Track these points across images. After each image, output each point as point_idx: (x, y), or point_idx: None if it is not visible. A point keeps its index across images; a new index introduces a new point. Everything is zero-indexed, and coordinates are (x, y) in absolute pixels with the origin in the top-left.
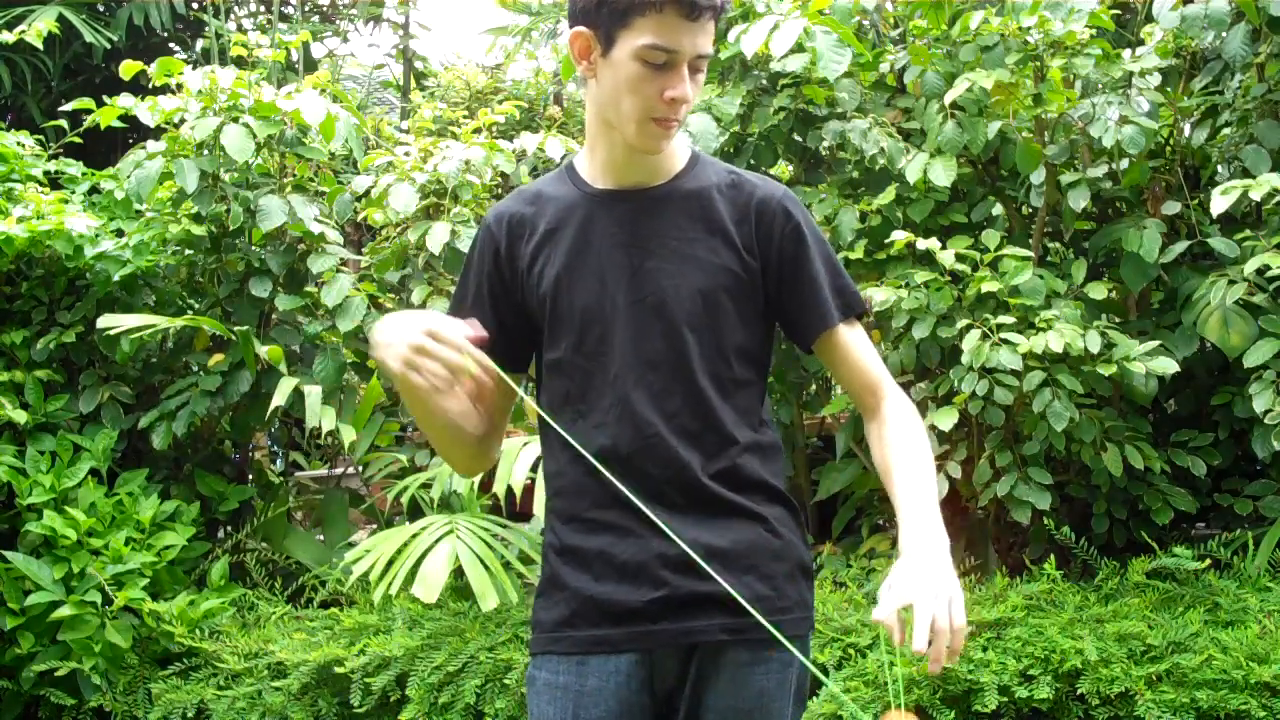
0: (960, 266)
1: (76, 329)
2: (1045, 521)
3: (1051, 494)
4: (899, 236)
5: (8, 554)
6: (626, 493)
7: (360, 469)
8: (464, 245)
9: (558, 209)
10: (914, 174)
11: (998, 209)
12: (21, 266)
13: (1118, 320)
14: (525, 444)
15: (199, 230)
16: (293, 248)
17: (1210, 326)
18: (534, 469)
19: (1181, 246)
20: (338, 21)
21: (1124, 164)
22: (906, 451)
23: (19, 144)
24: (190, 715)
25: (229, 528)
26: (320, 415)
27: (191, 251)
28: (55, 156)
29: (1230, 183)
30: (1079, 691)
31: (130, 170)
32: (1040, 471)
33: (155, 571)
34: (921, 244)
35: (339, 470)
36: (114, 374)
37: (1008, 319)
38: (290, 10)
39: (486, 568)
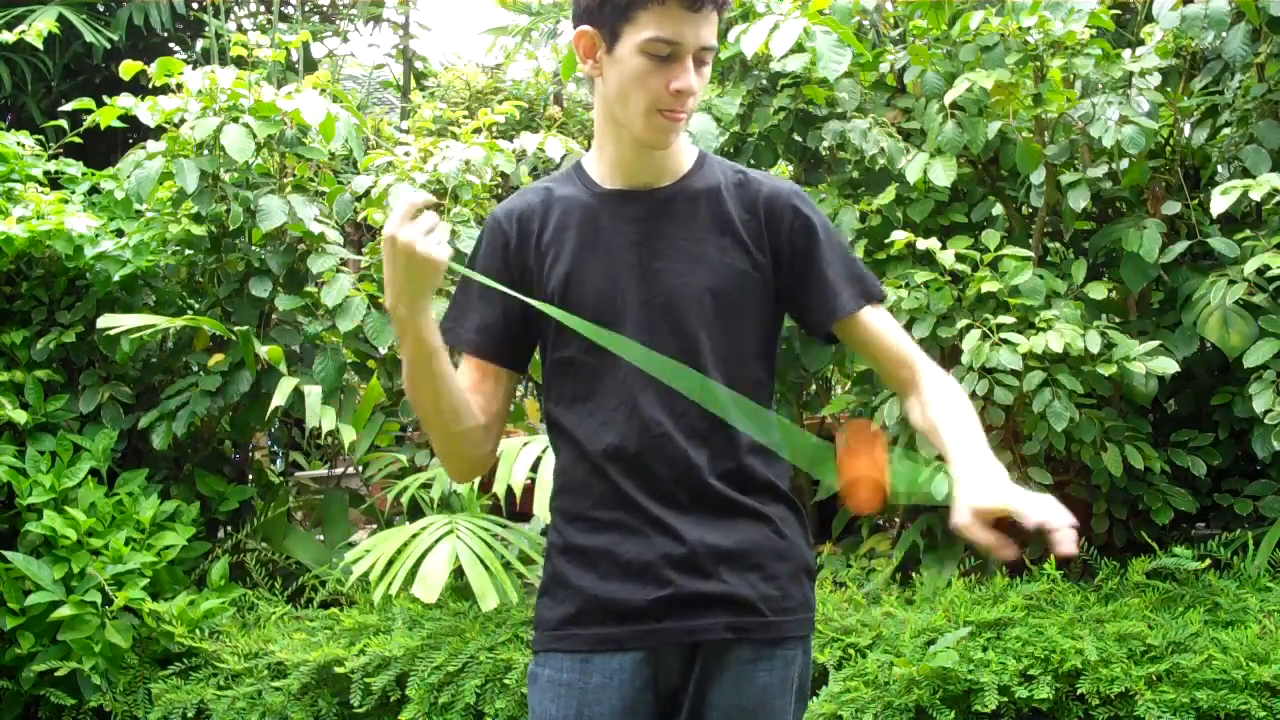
0: (960, 266)
1: (76, 329)
2: None
3: (1051, 494)
4: (899, 236)
5: (8, 554)
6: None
7: (360, 469)
8: (464, 245)
9: (567, 208)
10: (914, 174)
11: (998, 209)
12: (21, 266)
13: (1118, 320)
14: (525, 444)
15: (199, 230)
16: (293, 248)
17: (1210, 326)
18: (534, 469)
19: (1181, 246)
20: (338, 21)
21: (1124, 164)
22: (949, 408)
23: (19, 144)
24: (190, 715)
25: (229, 528)
26: (320, 415)
27: (191, 251)
28: (55, 156)
29: (1230, 183)
30: (1079, 691)
31: (130, 170)
32: (1040, 471)
33: (155, 571)
34: (921, 244)
35: (339, 470)
36: (114, 374)
37: (1008, 319)
38: (290, 10)
39: (486, 568)
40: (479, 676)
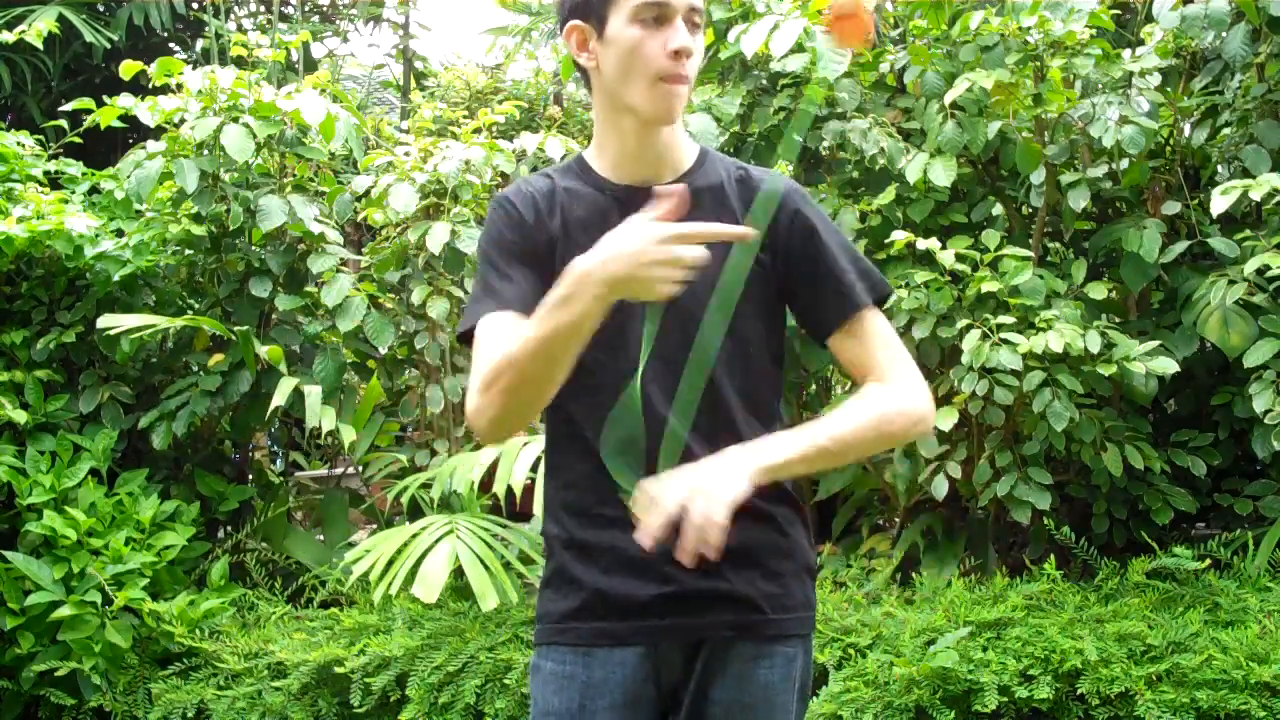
0: (960, 266)
1: (76, 329)
2: (1045, 521)
3: (1051, 494)
4: (899, 236)
5: (8, 554)
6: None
7: (360, 469)
8: (464, 245)
9: (573, 200)
10: (914, 174)
11: (998, 209)
12: (21, 266)
13: (1118, 320)
14: (525, 444)
15: (199, 230)
16: (293, 248)
17: (1210, 326)
18: (534, 469)
19: (1181, 246)
20: (338, 21)
21: (1124, 164)
22: (841, 408)
23: (19, 144)
24: (190, 715)
25: (229, 528)
26: (320, 415)
27: (191, 251)
28: (55, 156)
29: (1230, 183)
30: (1079, 691)
31: (130, 170)
32: (1040, 471)
33: (155, 571)
34: (921, 244)
35: (339, 470)
36: (114, 374)
37: (1008, 319)
38: (290, 10)
39: (486, 568)
40: (479, 676)
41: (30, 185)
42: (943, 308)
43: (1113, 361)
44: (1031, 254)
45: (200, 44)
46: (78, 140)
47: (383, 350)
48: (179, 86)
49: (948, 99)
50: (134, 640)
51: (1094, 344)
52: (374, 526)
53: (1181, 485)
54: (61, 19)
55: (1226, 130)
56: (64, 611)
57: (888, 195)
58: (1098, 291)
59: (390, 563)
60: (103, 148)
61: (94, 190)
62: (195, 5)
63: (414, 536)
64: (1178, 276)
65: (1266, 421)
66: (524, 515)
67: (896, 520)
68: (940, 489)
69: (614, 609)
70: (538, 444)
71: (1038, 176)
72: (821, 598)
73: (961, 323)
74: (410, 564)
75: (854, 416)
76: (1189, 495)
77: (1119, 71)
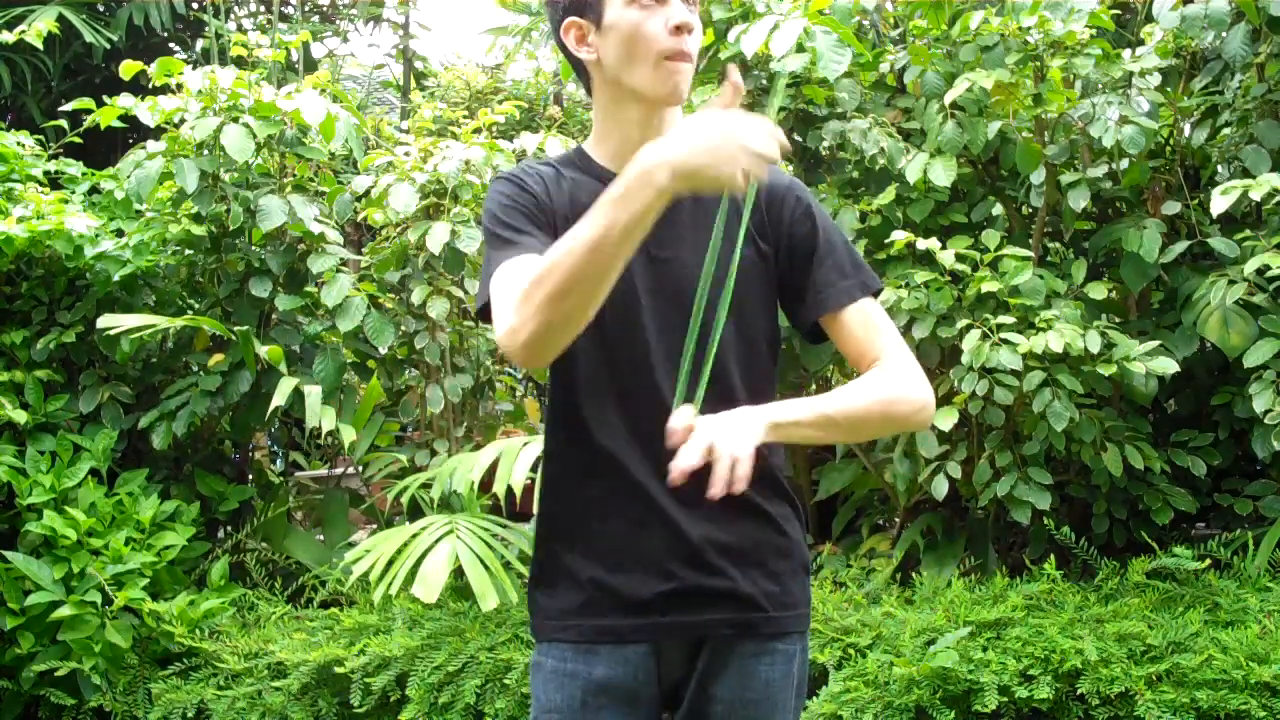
0: (960, 266)
1: (76, 329)
2: (1045, 521)
3: (1051, 494)
4: (899, 236)
5: (8, 554)
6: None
7: (360, 469)
8: (464, 245)
9: (577, 188)
10: (914, 174)
11: (998, 209)
12: (21, 266)
13: (1118, 320)
14: (525, 444)
15: (199, 230)
16: (293, 248)
17: (1210, 326)
18: (534, 469)
19: (1181, 246)
20: (338, 21)
21: (1124, 164)
22: (849, 385)
23: (19, 144)
24: (190, 715)
25: (229, 528)
26: (320, 415)
27: (191, 251)
28: (55, 156)
29: (1230, 183)
30: (1079, 691)
31: (130, 170)
32: (1040, 471)
33: (155, 571)
34: (921, 244)
35: (339, 470)
36: (114, 374)
37: (1008, 319)
38: (290, 10)
39: (486, 568)
40: (479, 676)
41: (30, 185)
42: (943, 308)
43: (1113, 361)
44: (1031, 254)
45: (200, 44)
46: (78, 140)
47: (383, 350)
48: (179, 86)
49: (948, 99)
50: (134, 640)
51: (1094, 344)
52: (374, 526)
53: (1181, 485)
54: (61, 19)
55: (1226, 130)
56: (64, 611)
57: (888, 195)
58: (1098, 291)
59: (390, 563)
60: (103, 148)
61: (94, 190)
62: (195, 5)
63: (414, 536)
64: (1178, 276)
65: (1266, 421)
66: (524, 515)
67: (896, 520)
68: (940, 489)
69: (616, 606)
70: (538, 444)
71: (1038, 176)
72: (821, 598)
73: (961, 323)
74: (410, 564)
75: (862, 394)
76: (1189, 495)
77: (1119, 71)
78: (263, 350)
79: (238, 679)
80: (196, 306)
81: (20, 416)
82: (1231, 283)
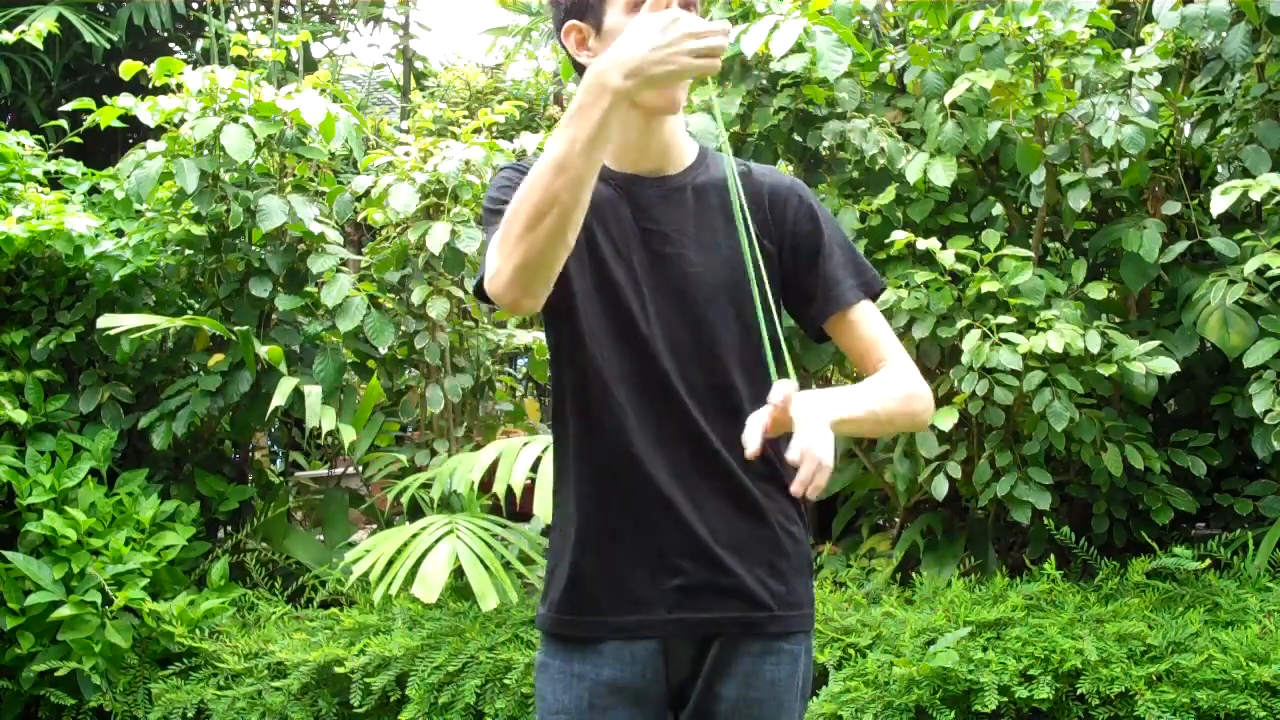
0: (960, 266)
1: (76, 329)
2: (1045, 521)
3: (1051, 494)
4: (899, 236)
5: (8, 554)
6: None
7: (360, 469)
8: (464, 245)
9: None
10: (914, 174)
11: (998, 209)
12: (21, 266)
13: (1118, 320)
14: (525, 444)
15: (199, 230)
16: (293, 248)
17: (1210, 326)
18: (534, 469)
19: (1181, 246)
20: (338, 21)
21: (1124, 164)
22: (871, 382)
23: (19, 144)
24: (190, 715)
25: (229, 528)
26: (320, 415)
27: (191, 251)
28: (55, 156)
29: (1230, 183)
30: (1079, 691)
31: (130, 170)
32: (1040, 471)
33: (155, 571)
34: (921, 244)
35: (339, 470)
36: (114, 374)
37: (1008, 319)
38: (290, 10)
39: (486, 568)
40: (479, 676)
41: (30, 185)
42: (943, 308)
43: (1113, 361)
44: (1031, 254)
45: (200, 44)
46: (78, 140)
47: (383, 350)
48: (179, 86)
49: (948, 99)
50: (134, 640)
51: (1094, 344)
52: (374, 526)
53: (1181, 485)
54: (61, 19)
55: (1226, 130)
56: (64, 611)
57: (888, 195)
58: (1098, 291)
59: (390, 563)
60: (103, 148)
61: (94, 190)
62: (195, 5)
63: (414, 536)
64: (1178, 276)
65: (1266, 421)
66: (524, 515)
67: (896, 520)
68: (940, 489)
69: (622, 602)
70: (538, 444)
71: (1038, 176)
72: (821, 598)
73: (961, 323)
74: (410, 564)
75: (891, 391)
76: (1189, 495)
77: (1119, 71)
78: (263, 350)
79: (238, 679)
80: (196, 306)
81: (20, 416)
82: (1231, 283)
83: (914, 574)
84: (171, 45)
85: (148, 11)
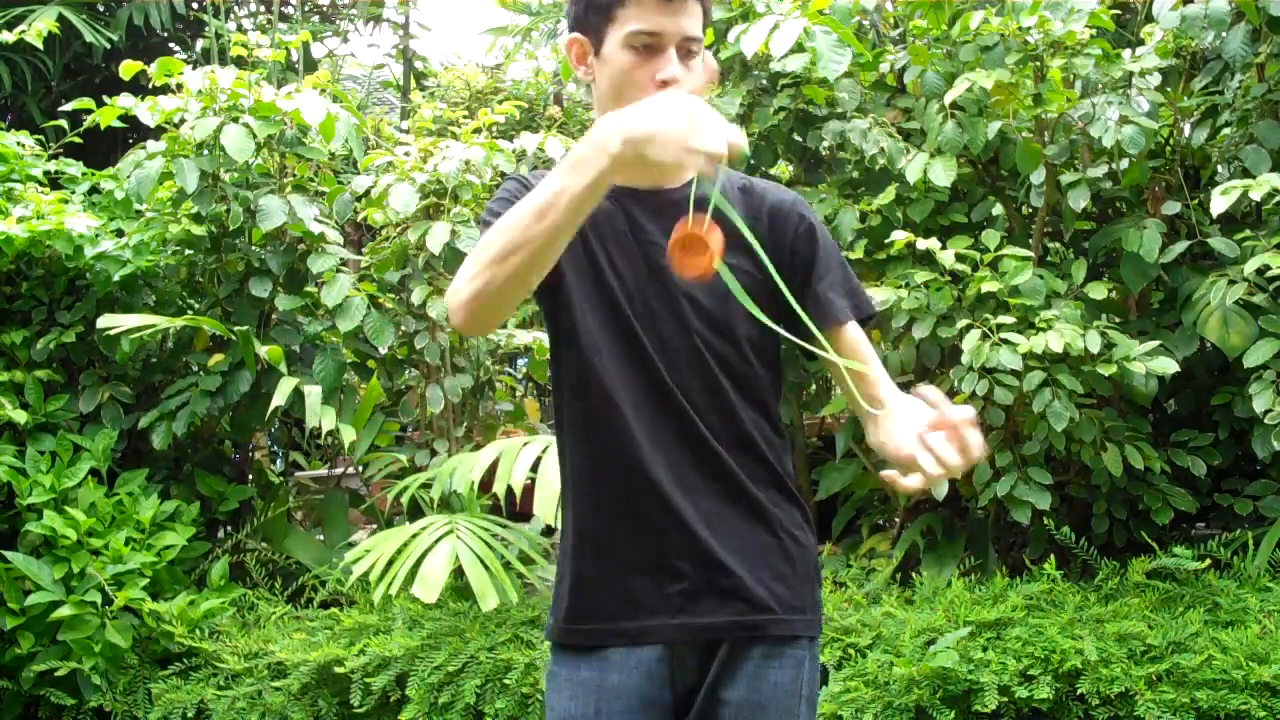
0: (960, 266)
1: (76, 329)
2: (1045, 521)
3: (1051, 494)
4: (899, 236)
5: (8, 554)
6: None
7: (360, 469)
8: (464, 245)
9: None
10: (914, 174)
11: (998, 209)
12: (21, 266)
13: (1118, 320)
14: (525, 444)
15: (199, 230)
16: (293, 248)
17: (1210, 326)
18: (534, 469)
19: (1181, 246)
20: (338, 21)
21: (1124, 164)
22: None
23: (19, 144)
24: (190, 715)
25: (229, 528)
26: (320, 415)
27: (191, 251)
28: (55, 156)
29: (1230, 183)
30: (1079, 691)
31: (130, 170)
32: (1040, 471)
33: (155, 571)
34: (921, 244)
35: (339, 470)
36: (114, 374)
37: (1008, 319)
38: (290, 10)
39: (486, 568)
40: (479, 676)
41: (30, 185)
42: (943, 308)
43: (1113, 361)
44: (1031, 254)
45: (200, 44)
46: (78, 140)
47: (383, 350)
48: (179, 86)
49: (948, 99)
50: (134, 640)
51: (1094, 344)
52: (374, 526)
53: (1181, 485)
54: (61, 19)
55: (1226, 130)
56: (64, 611)
57: (888, 195)
58: (1098, 291)
59: (390, 563)
60: (103, 148)
61: (94, 190)
62: (195, 5)
63: (414, 536)
64: (1178, 276)
65: (1266, 421)
66: (524, 515)
67: (896, 520)
68: (940, 489)
69: (626, 606)
70: (538, 444)
71: (1038, 176)
72: (821, 597)
73: (961, 323)
74: (410, 564)
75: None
76: (1189, 495)
77: (1119, 71)
78: (263, 350)
79: (238, 679)
80: (196, 306)
81: (20, 416)
82: (1231, 283)
83: (914, 574)
84: (171, 45)
85: (148, 11)
